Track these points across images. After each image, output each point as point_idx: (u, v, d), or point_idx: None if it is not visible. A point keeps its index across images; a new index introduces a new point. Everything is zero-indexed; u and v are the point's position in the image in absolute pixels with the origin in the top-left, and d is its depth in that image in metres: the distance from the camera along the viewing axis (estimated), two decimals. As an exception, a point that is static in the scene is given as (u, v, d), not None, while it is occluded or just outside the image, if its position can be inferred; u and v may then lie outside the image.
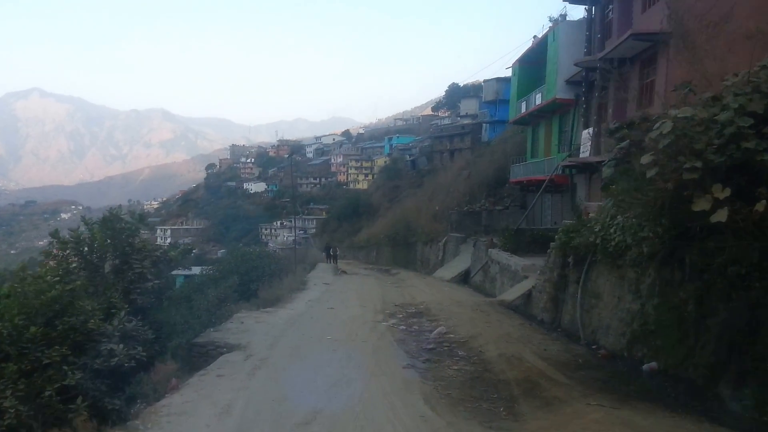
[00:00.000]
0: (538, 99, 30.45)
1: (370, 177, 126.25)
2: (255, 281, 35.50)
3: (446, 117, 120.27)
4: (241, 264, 38.16)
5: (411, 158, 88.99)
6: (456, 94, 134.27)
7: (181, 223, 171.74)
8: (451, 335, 15.29)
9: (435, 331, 15.86)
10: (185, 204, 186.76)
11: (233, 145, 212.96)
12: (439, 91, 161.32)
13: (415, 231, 42.84)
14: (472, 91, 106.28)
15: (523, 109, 33.18)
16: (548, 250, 19.53)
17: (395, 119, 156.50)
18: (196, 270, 50.19)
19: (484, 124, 77.61)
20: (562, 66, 27.47)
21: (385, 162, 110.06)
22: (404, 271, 40.27)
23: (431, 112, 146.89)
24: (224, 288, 25.34)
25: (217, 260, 46.05)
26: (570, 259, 17.26)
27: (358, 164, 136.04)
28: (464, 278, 30.68)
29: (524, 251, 26.64)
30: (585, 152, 23.65)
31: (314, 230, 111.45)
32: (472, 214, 36.48)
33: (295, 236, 39.08)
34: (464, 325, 16.46)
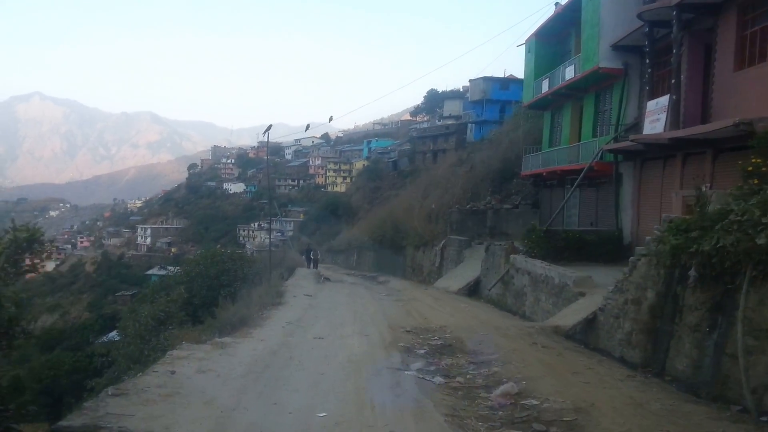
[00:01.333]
0: (568, 73, 23.52)
1: (348, 180, 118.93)
2: (226, 286, 28.40)
3: (425, 122, 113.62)
4: (211, 266, 30.77)
5: (392, 159, 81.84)
6: (435, 100, 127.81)
7: (161, 222, 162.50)
8: (533, 400, 8.17)
9: (499, 391, 8.71)
10: (166, 203, 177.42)
11: (215, 147, 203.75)
12: (416, 99, 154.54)
13: (406, 233, 35.69)
14: (452, 95, 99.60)
15: (545, 89, 26.26)
16: (631, 259, 12.59)
17: (374, 124, 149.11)
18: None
19: (469, 125, 70.94)
20: (606, 29, 20.59)
21: (364, 164, 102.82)
22: (394, 279, 33.05)
23: (410, 118, 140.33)
24: (166, 302, 17.88)
25: (184, 261, 38.30)
26: (692, 272, 10.24)
27: (337, 167, 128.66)
28: (473, 290, 23.62)
29: (555, 258, 19.71)
30: (654, 127, 16.73)
31: (292, 232, 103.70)
32: (476, 213, 29.45)
33: (271, 238, 31.16)
34: (539, 376, 9.37)
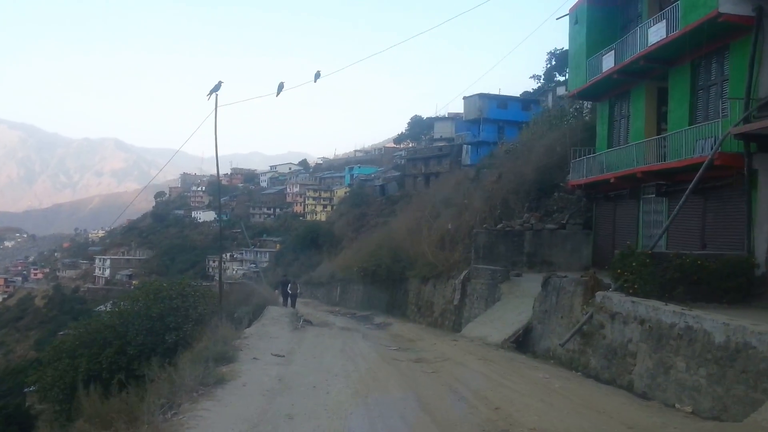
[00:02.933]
0: (654, 35, 16.80)
1: (329, 208, 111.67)
2: (173, 330, 21.27)
3: (411, 148, 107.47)
4: (154, 304, 23.34)
5: (379, 184, 74.96)
6: (419, 126, 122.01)
7: (123, 253, 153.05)
8: None
9: None
10: (129, 233, 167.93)
11: (184, 174, 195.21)
12: (399, 128, 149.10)
13: (409, 261, 28.52)
14: (441, 119, 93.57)
15: (608, 66, 19.53)
16: None
17: (355, 152, 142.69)
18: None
19: (465, 146, 64.60)
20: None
21: (347, 192, 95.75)
22: (394, 321, 25.84)
23: (393, 145, 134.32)
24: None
25: (119, 297, 30.58)
26: None
27: (316, 194, 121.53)
28: (524, 342, 16.43)
29: (660, 295, 12.81)
30: None
31: (267, 264, 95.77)
32: (510, 235, 22.40)
33: (221, 268, 23.05)
34: None
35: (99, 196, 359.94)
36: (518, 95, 65.41)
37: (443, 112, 78.61)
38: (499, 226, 22.68)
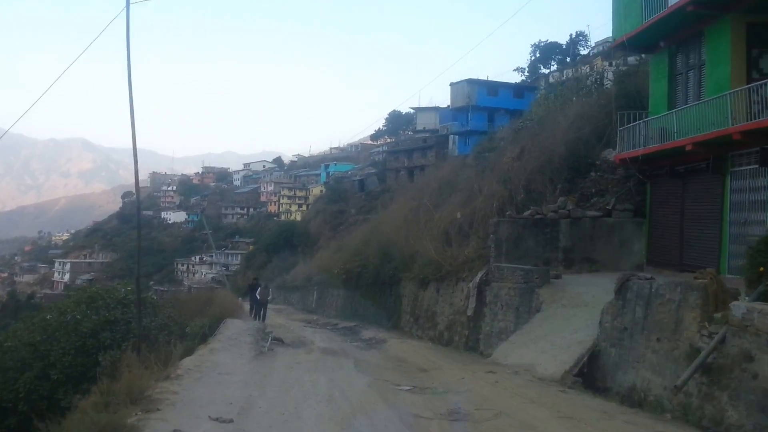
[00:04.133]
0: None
1: (304, 207, 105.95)
2: (109, 348, 16.59)
3: (391, 142, 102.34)
4: (86, 317, 18.30)
5: (359, 179, 69.66)
6: (398, 122, 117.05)
7: (85, 256, 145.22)
8: None
9: None
10: (92, 235, 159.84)
11: (154, 173, 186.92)
12: (376, 124, 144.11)
13: (403, 261, 23.29)
14: (425, 109, 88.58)
15: (679, -3, 14.57)
16: None
17: (331, 149, 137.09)
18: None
19: (452, 137, 59.70)
20: None
21: (322, 191, 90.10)
22: (391, 337, 20.57)
23: (371, 142, 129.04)
24: None
25: (44, 308, 24.95)
26: None
27: (292, 193, 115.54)
28: (590, 374, 11.37)
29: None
30: None
31: (238, 266, 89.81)
32: (540, 225, 17.31)
33: (137, 276, 16.78)
34: None
35: (65, 197, 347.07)
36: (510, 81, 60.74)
37: (426, 102, 73.48)
38: (526, 213, 17.58)
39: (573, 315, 13.10)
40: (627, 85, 20.54)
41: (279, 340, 17.37)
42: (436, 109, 69.02)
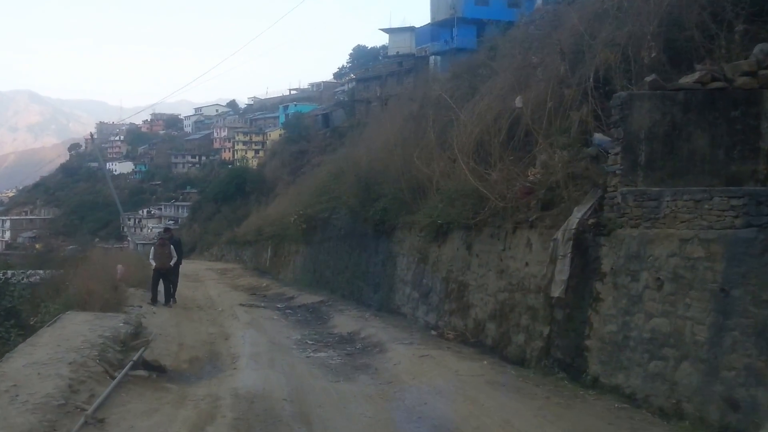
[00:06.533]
0: None
1: (261, 154, 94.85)
2: None
3: (353, 81, 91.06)
4: None
5: (322, 112, 59.07)
6: (364, 57, 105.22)
7: (26, 213, 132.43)
8: None
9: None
10: (35, 190, 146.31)
11: (101, 123, 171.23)
12: (338, 63, 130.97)
13: (402, 199, 13.70)
14: (398, 30, 76.79)
15: None
16: None
17: (290, 90, 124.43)
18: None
19: (432, 58, 49.36)
20: None
21: (281, 134, 78.81)
22: (388, 330, 11.09)
23: (335, 81, 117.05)
24: None
25: None
26: None
27: (247, 138, 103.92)
28: None
29: None
30: None
31: (185, 219, 79.15)
32: (720, 104, 7.77)
33: None
34: None
35: (14, 153, 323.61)
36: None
37: (399, 25, 62.36)
38: (687, 79, 7.97)
39: None
40: None
41: (152, 369, 7.72)
42: (411, 29, 58.07)
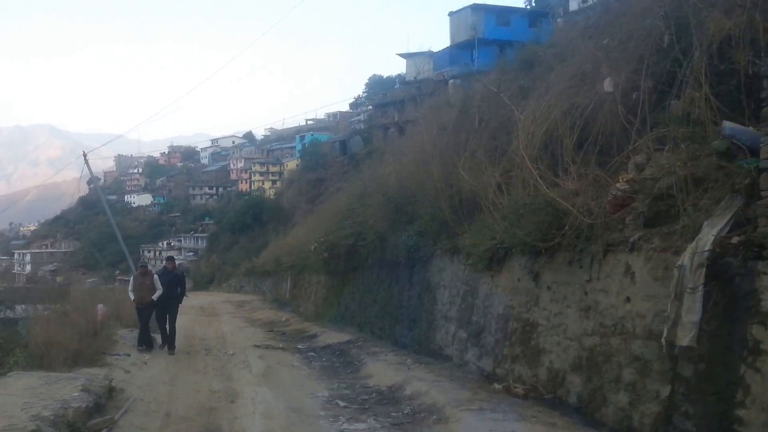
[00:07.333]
0: None
1: (279, 184, 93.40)
2: None
3: (370, 108, 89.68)
4: None
5: (340, 139, 57.36)
6: (380, 87, 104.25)
7: (47, 246, 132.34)
8: None
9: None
10: (55, 223, 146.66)
11: (119, 155, 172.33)
12: (354, 92, 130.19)
13: (441, 220, 11.42)
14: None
15: None
16: None
17: (306, 120, 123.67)
18: None
19: (452, 82, 47.50)
20: None
21: (297, 165, 77.18)
22: (439, 395, 8.72)
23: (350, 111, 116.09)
24: None
25: None
26: None
27: (264, 169, 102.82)
28: None
29: None
30: None
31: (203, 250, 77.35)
32: None
33: None
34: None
35: (35, 187, 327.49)
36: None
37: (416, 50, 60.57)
38: None
39: None
40: None
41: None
42: (429, 54, 56.52)
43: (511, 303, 9.66)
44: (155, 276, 12.47)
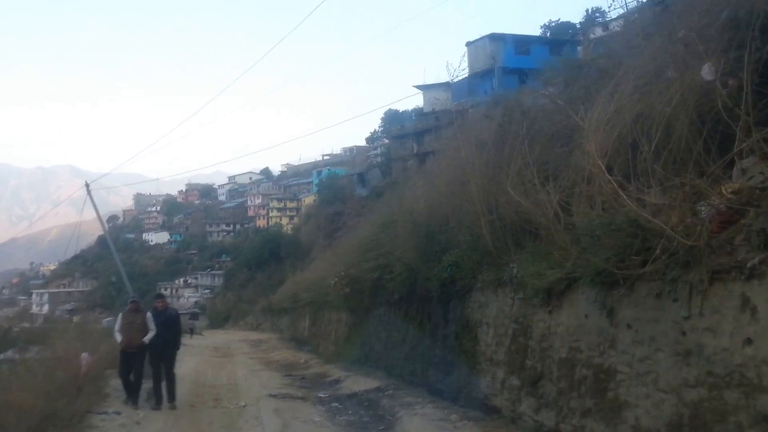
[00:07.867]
0: None
1: (296, 220, 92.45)
2: None
3: (388, 140, 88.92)
4: None
5: (358, 172, 56.29)
6: (395, 121, 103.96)
7: (64, 285, 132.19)
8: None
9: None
10: (73, 262, 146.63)
11: (138, 194, 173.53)
12: (370, 127, 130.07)
13: (482, 249, 9.86)
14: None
15: None
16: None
17: (323, 155, 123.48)
18: None
19: (471, 111, 46.43)
20: None
21: (315, 201, 76.28)
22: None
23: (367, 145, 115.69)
24: None
25: None
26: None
27: (281, 204, 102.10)
28: None
29: None
30: None
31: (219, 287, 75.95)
32: None
33: None
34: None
35: (57, 226, 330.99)
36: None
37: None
38: None
39: None
40: None
41: None
42: (447, 85, 55.69)
43: (577, 344, 8.00)
44: (148, 314, 10.72)
